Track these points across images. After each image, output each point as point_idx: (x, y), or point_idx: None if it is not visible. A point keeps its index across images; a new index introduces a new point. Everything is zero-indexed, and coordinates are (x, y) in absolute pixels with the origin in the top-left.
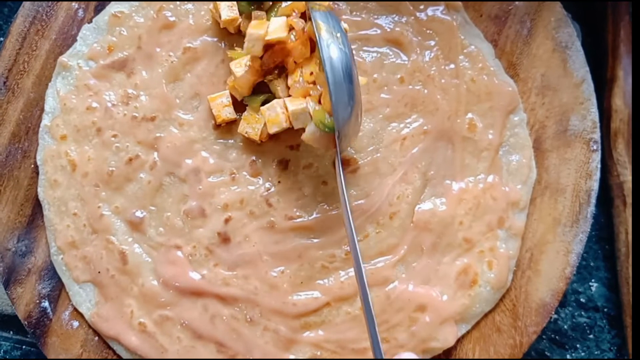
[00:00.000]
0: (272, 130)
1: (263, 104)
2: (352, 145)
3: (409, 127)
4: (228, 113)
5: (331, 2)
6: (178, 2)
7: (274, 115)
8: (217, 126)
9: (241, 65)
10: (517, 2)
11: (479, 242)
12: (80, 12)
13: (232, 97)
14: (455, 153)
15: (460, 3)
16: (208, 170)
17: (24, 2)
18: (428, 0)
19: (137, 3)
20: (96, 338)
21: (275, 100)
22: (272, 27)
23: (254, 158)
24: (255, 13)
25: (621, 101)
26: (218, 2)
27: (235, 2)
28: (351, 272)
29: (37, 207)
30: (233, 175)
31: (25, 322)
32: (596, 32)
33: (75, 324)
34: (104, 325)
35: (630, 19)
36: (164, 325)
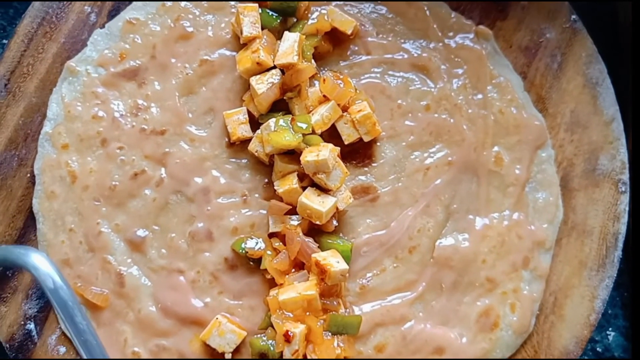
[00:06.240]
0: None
1: None
2: (373, 173)
3: (432, 157)
4: (244, 131)
5: (357, 24)
6: (197, 13)
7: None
8: (231, 144)
9: (263, 82)
10: (548, 35)
11: (502, 283)
12: (93, 17)
13: (249, 114)
14: (480, 187)
15: (490, 32)
16: (218, 190)
17: (33, 2)
18: (457, 27)
19: (154, 10)
20: None
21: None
22: (282, 48)
23: (267, 180)
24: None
25: None
26: (241, 16)
27: (258, 17)
28: (365, 307)
29: (31, 220)
30: (245, 197)
31: (7, 345)
32: (620, 70)
33: (62, 349)
34: None
35: None
36: (160, 356)
